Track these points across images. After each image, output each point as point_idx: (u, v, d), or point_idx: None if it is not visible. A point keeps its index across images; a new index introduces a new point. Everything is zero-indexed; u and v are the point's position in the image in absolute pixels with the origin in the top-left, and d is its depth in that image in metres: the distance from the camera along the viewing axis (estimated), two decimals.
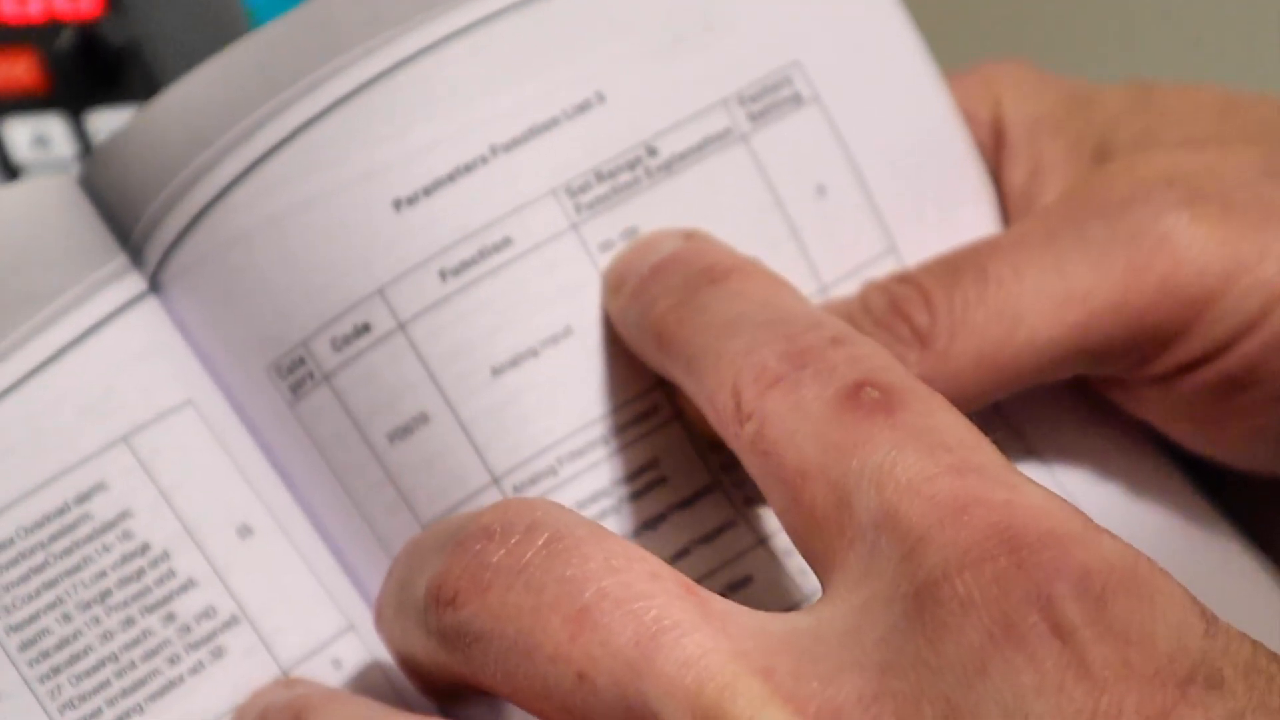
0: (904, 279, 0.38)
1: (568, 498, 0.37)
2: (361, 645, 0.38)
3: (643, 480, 0.38)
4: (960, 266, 0.38)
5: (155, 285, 0.39)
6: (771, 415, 0.32)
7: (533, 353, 0.37)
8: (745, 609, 0.31)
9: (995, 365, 0.38)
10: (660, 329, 0.36)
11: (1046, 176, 0.41)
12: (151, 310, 0.39)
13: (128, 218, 0.39)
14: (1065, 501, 0.30)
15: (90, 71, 0.51)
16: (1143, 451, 0.41)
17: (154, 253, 0.38)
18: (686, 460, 0.38)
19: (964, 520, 0.29)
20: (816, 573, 0.32)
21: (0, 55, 0.50)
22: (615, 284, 0.38)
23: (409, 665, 0.34)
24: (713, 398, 0.34)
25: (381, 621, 0.35)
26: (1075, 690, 0.28)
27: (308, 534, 0.39)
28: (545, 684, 0.31)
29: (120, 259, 0.39)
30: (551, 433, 0.37)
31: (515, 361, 0.37)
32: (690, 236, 0.37)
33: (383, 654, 0.38)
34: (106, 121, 0.51)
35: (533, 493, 0.37)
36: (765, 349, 0.33)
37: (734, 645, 0.30)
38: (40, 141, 0.49)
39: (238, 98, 0.38)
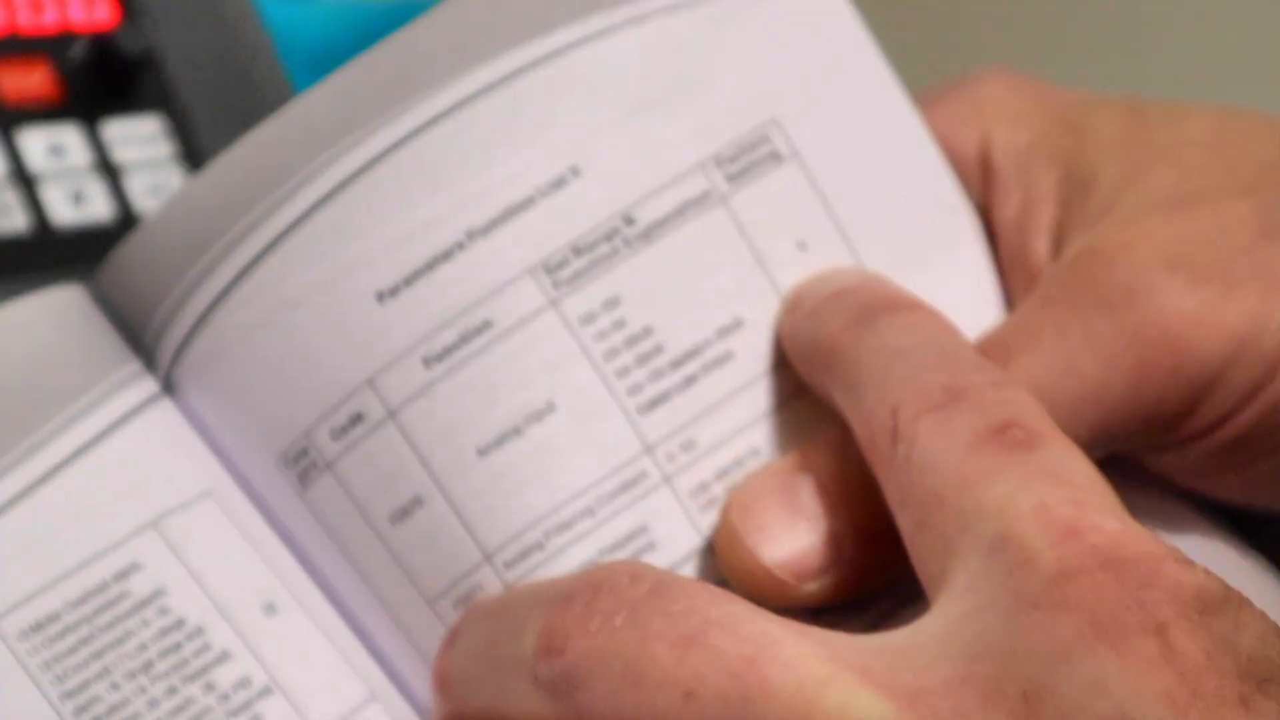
0: None
1: (557, 571, 0.38)
2: (385, 715, 0.40)
3: (632, 547, 0.39)
4: None
5: (169, 386, 0.41)
6: (922, 438, 0.34)
7: (516, 431, 0.38)
8: (846, 634, 0.32)
9: None
10: (832, 347, 0.38)
11: (1037, 211, 0.41)
12: (167, 410, 0.41)
13: (138, 324, 0.41)
14: (1168, 541, 0.32)
15: (105, 81, 0.52)
16: (1177, 503, 0.42)
17: (165, 355, 0.41)
18: (676, 524, 0.39)
19: (1073, 542, 0.31)
20: (929, 595, 0.33)
21: (15, 65, 0.52)
22: (793, 305, 0.40)
23: None
24: (871, 416, 0.36)
25: (454, 686, 0.37)
26: (1156, 676, 0.29)
27: (327, 611, 0.41)
28: (654, 713, 0.32)
29: (134, 364, 0.41)
30: (537, 508, 0.38)
31: (499, 441, 0.38)
32: (870, 274, 0.40)
33: None
34: (121, 131, 0.52)
35: (522, 568, 0.39)
36: (930, 377, 0.35)
37: (833, 652, 0.31)
38: (55, 151, 0.51)
39: (230, 202, 0.40)
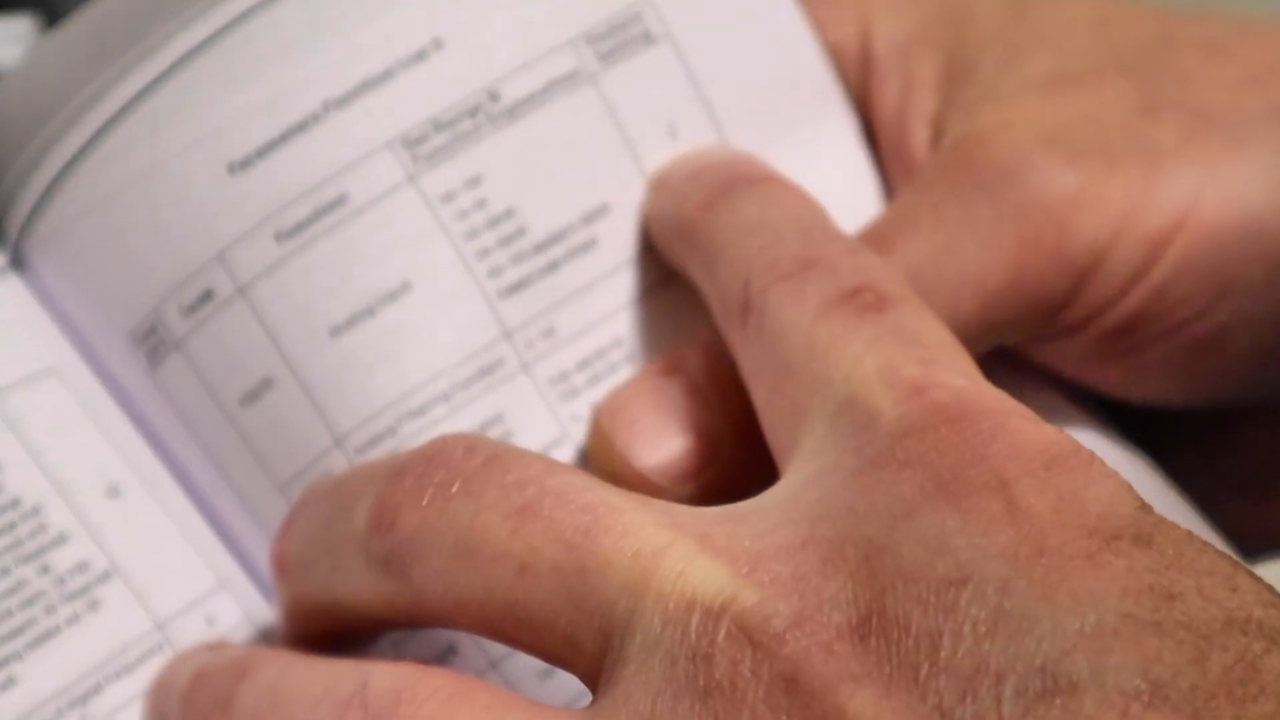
0: None
1: None
2: (234, 604, 0.39)
3: (489, 435, 0.37)
4: None
5: (16, 260, 0.39)
6: (773, 308, 0.33)
7: (369, 311, 0.37)
8: (688, 506, 0.31)
9: None
10: (690, 223, 0.37)
11: (916, 100, 0.39)
12: (13, 285, 0.39)
13: None
14: (1018, 401, 0.30)
15: None
16: (1052, 390, 0.40)
17: (13, 228, 0.39)
18: (535, 413, 0.37)
19: (917, 399, 0.30)
20: (779, 467, 0.32)
21: None
22: (659, 183, 0.39)
23: (326, 611, 0.35)
24: (725, 291, 0.35)
25: (292, 570, 0.36)
26: (999, 533, 0.28)
27: (176, 496, 0.39)
28: (487, 586, 0.31)
29: None
30: (389, 391, 0.37)
31: (352, 321, 0.37)
32: (739, 152, 0.39)
33: (255, 613, 0.38)
34: None
35: (373, 454, 0.37)
36: (783, 248, 0.34)
37: (672, 520, 0.30)
38: None
39: (77, 69, 0.38)
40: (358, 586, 0.33)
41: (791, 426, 0.32)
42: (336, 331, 0.37)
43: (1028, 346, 0.40)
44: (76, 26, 0.38)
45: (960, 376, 0.31)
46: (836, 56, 0.41)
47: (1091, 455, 0.29)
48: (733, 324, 0.35)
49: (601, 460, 0.37)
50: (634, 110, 0.39)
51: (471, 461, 0.32)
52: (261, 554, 0.39)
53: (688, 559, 0.29)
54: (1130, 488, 0.28)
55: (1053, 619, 0.26)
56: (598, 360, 0.38)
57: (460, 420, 0.37)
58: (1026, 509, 0.28)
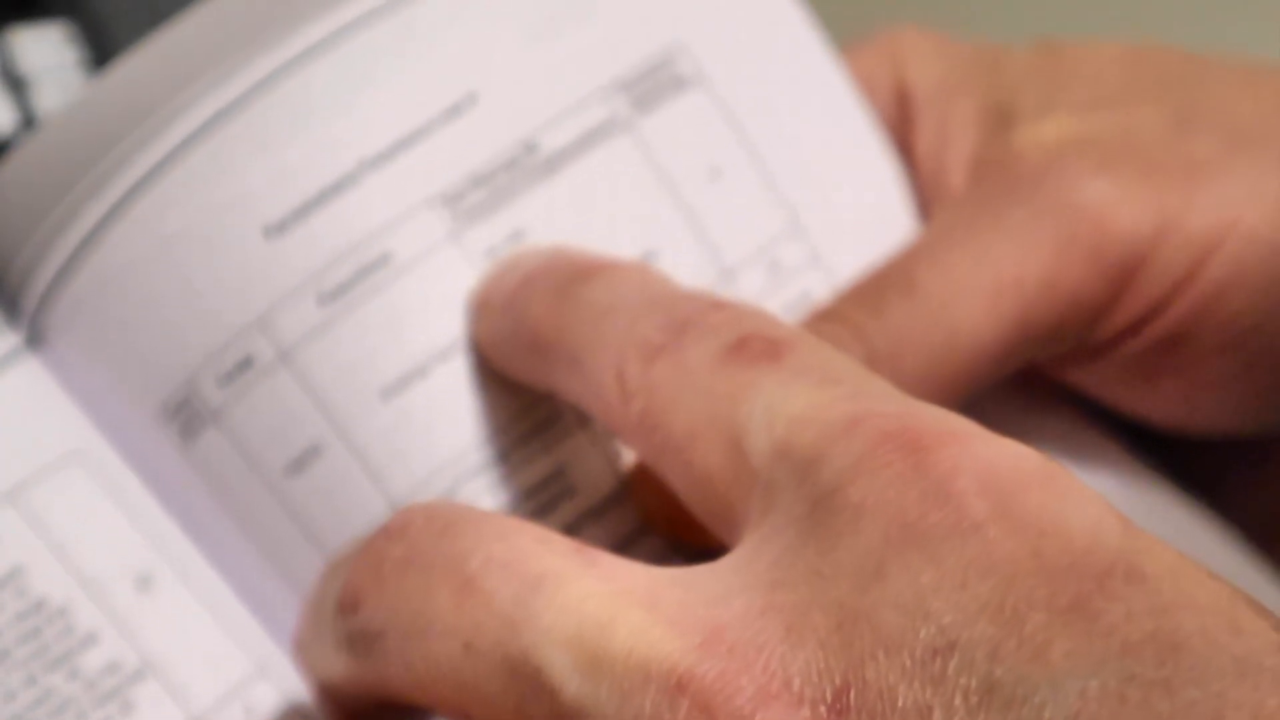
0: (829, 315, 0.36)
1: None
2: (273, 690, 0.37)
3: (549, 493, 0.36)
4: (885, 285, 0.37)
5: (34, 339, 0.38)
6: (657, 386, 0.31)
7: (421, 371, 0.35)
8: (637, 563, 0.29)
9: (945, 378, 0.37)
10: (536, 334, 0.34)
11: (954, 140, 0.39)
12: (30, 366, 0.38)
13: None
14: (961, 416, 0.28)
15: None
16: (1075, 418, 0.39)
17: (29, 304, 0.37)
18: (594, 468, 0.36)
19: (856, 432, 0.27)
20: (723, 540, 0.30)
21: None
22: (482, 305, 0.36)
23: (329, 695, 0.33)
24: (599, 387, 0.32)
25: (300, 652, 0.35)
26: (980, 586, 0.25)
27: (211, 580, 0.38)
28: (438, 665, 0.30)
29: None
30: (446, 452, 0.35)
31: (403, 382, 0.35)
32: (554, 249, 0.36)
33: (297, 697, 0.36)
34: (27, 40, 0.49)
35: None
36: (645, 324, 0.32)
37: (617, 587, 0.28)
38: None
39: (101, 134, 0.36)
40: (336, 669, 0.32)
41: (722, 498, 0.30)
42: (388, 393, 0.36)
43: (1067, 367, 0.39)
44: (99, 90, 0.37)
45: (893, 402, 0.28)
46: (873, 101, 0.41)
47: (1064, 474, 0.27)
48: (618, 418, 0.32)
49: (641, 490, 0.36)
50: (674, 155, 0.38)
51: (428, 533, 0.31)
52: None
53: (637, 632, 0.27)
54: (1110, 508, 0.27)
55: (1050, 685, 0.24)
56: None
57: (520, 479, 0.36)
58: (1004, 554, 0.26)
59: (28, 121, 0.51)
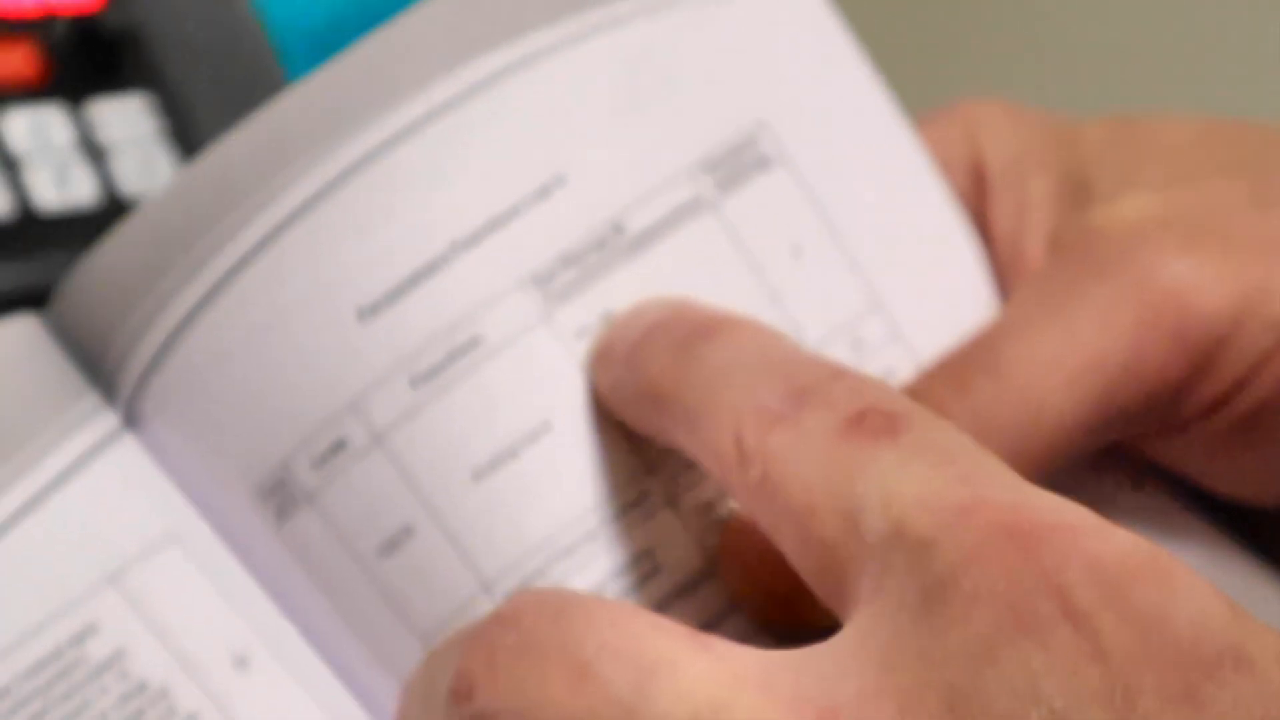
0: (915, 394, 0.38)
1: None
2: None
3: (638, 571, 0.36)
4: (969, 364, 0.38)
5: (131, 420, 0.39)
6: (775, 454, 0.32)
7: (512, 453, 0.36)
8: (749, 648, 0.30)
9: (1029, 457, 0.37)
10: (656, 389, 0.35)
11: (1031, 216, 0.39)
12: (128, 447, 0.38)
13: (96, 355, 0.39)
14: (1076, 504, 0.29)
15: (89, 60, 0.51)
16: (1166, 495, 0.39)
17: (126, 387, 0.38)
18: (682, 546, 0.36)
19: (970, 521, 0.28)
20: (835, 613, 0.31)
21: None
22: (604, 355, 0.37)
23: None
24: (716, 448, 0.33)
25: None
26: (1090, 672, 0.26)
27: (307, 660, 0.38)
28: None
29: (92, 397, 0.39)
30: (538, 532, 0.36)
31: (495, 463, 0.36)
32: (677, 303, 0.37)
33: None
34: (106, 110, 0.50)
35: None
36: (765, 390, 0.33)
37: (732, 671, 0.29)
38: (38, 132, 0.49)
39: (194, 220, 0.37)
40: None
41: (834, 571, 0.30)
42: (479, 475, 0.36)
43: (1151, 443, 0.39)
44: (191, 175, 0.38)
45: (1007, 489, 0.29)
46: (949, 176, 0.41)
47: (1172, 564, 0.28)
48: (734, 482, 0.33)
49: (729, 563, 0.37)
50: (756, 234, 0.38)
51: (540, 620, 0.31)
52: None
53: (753, 713, 0.28)
54: (1218, 595, 0.27)
55: None
56: None
57: (610, 558, 0.37)
58: (1114, 645, 0.26)
59: (109, 191, 0.51)
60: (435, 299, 0.37)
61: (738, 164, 0.39)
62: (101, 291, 0.38)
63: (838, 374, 0.32)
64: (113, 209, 0.51)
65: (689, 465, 0.37)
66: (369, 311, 0.37)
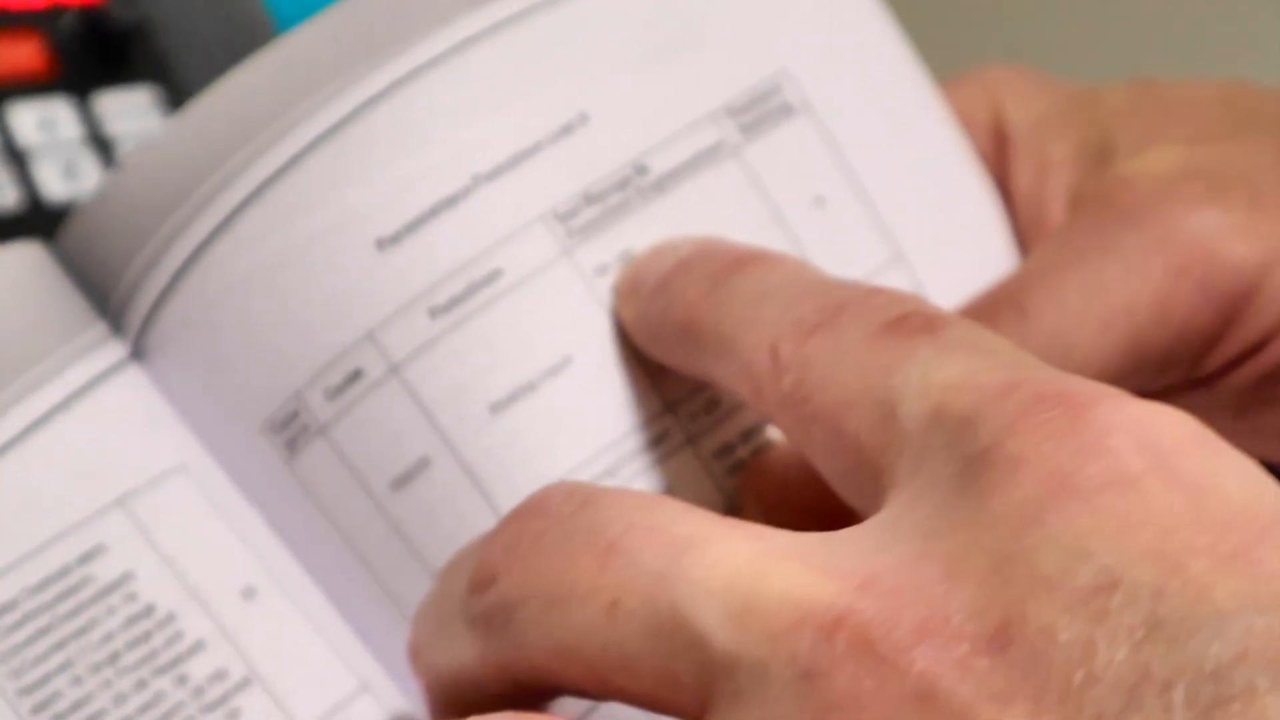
0: None
1: None
2: (377, 707, 0.37)
3: None
4: (996, 310, 0.38)
5: (138, 352, 0.38)
6: (812, 360, 0.31)
7: (531, 387, 0.35)
8: (781, 530, 0.29)
9: None
10: (689, 318, 0.35)
11: (1053, 176, 0.39)
12: (135, 377, 0.38)
13: (105, 285, 0.38)
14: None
15: (96, 54, 0.50)
16: None
17: (135, 319, 0.37)
18: (701, 486, 0.36)
19: (1012, 396, 0.28)
20: (865, 513, 0.30)
21: (4, 40, 0.49)
22: (631, 288, 0.37)
23: (450, 692, 0.32)
24: (750, 365, 0.33)
25: (418, 652, 0.34)
26: (1140, 533, 0.26)
27: (312, 595, 0.38)
28: (581, 629, 0.29)
29: (99, 327, 0.38)
30: (556, 467, 0.35)
31: (514, 397, 0.35)
32: (706, 239, 0.37)
33: (399, 715, 0.36)
34: (113, 103, 0.50)
35: None
36: (803, 306, 0.32)
37: (767, 545, 0.28)
38: (46, 125, 0.49)
39: (208, 151, 0.36)
40: (466, 657, 0.32)
41: (868, 466, 0.30)
42: (497, 408, 0.36)
43: (1174, 399, 0.39)
44: (207, 105, 0.38)
45: (1048, 371, 0.29)
46: (970, 136, 0.41)
47: (1219, 440, 0.27)
48: (767, 394, 0.32)
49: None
50: (779, 181, 0.38)
51: (568, 507, 0.30)
52: (405, 650, 0.36)
53: (791, 579, 0.27)
54: (1265, 473, 0.27)
55: (1217, 622, 0.25)
56: (760, 432, 0.37)
57: None
58: (1163, 507, 0.26)
59: None
60: (456, 231, 0.37)
61: (761, 111, 0.39)
62: (112, 223, 0.38)
63: (877, 289, 0.32)
64: None
65: (708, 407, 0.37)
66: (389, 242, 0.37)
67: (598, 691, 0.30)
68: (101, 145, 0.52)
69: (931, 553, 0.27)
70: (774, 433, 0.37)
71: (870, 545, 0.27)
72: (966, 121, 0.41)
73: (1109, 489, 0.26)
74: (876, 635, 0.26)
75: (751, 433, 0.37)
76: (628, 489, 0.30)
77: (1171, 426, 0.27)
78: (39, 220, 0.51)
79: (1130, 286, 0.37)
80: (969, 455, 0.27)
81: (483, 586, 0.31)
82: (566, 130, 0.37)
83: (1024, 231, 0.41)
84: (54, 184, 0.51)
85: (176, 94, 0.53)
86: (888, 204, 0.39)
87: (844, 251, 0.39)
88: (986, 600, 0.26)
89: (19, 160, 0.50)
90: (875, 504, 0.29)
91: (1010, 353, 0.29)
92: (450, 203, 0.37)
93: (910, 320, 0.30)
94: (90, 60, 0.52)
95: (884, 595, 0.26)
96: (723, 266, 0.35)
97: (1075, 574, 0.25)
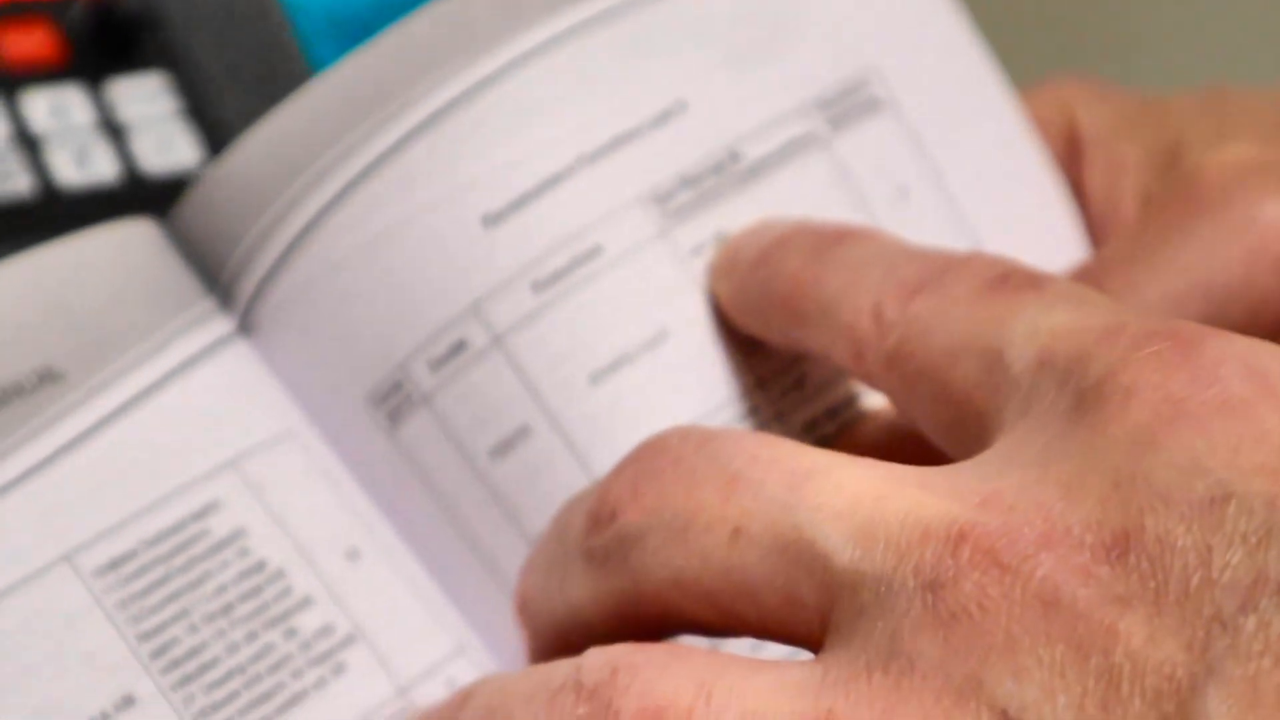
0: None
1: None
2: (473, 669, 0.39)
3: None
4: None
5: (246, 326, 0.40)
6: (917, 318, 0.33)
7: (629, 358, 0.37)
8: (895, 463, 0.30)
9: None
10: (790, 288, 0.36)
11: (1126, 178, 0.41)
12: (242, 352, 0.40)
13: (214, 263, 0.40)
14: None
15: (107, 41, 0.51)
16: None
17: (243, 294, 0.40)
18: None
19: (1122, 334, 0.29)
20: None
21: (15, 28, 0.51)
22: (728, 264, 0.38)
23: (562, 641, 0.34)
24: (852, 327, 0.34)
25: (528, 606, 0.35)
26: (1253, 453, 0.27)
27: (411, 562, 0.40)
28: (703, 556, 0.30)
29: (206, 304, 0.40)
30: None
31: (613, 367, 0.37)
32: (802, 219, 0.38)
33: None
34: (125, 90, 0.50)
35: None
36: (906, 270, 0.34)
37: (887, 473, 0.30)
38: (58, 112, 0.49)
39: (321, 129, 0.38)
40: (581, 595, 0.33)
41: (974, 416, 0.31)
42: (596, 379, 0.37)
43: None
44: (321, 86, 0.39)
45: (1152, 317, 0.30)
46: (1045, 141, 0.43)
47: None
48: (868, 355, 0.34)
49: None
50: (865, 172, 0.40)
51: (686, 445, 0.32)
52: (500, 616, 0.37)
53: (913, 500, 0.29)
54: None
55: None
56: (846, 409, 0.38)
57: None
58: (1275, 429, 0.27)
59: (129, 169, 0.52)
60: (559, 209, 0.38)
61: (849, 104, 0.41)
62: (224, 202, 0.40)
63: (976, 253, 0.34)
64: (133, 186, 0.52)
65: (797, 384, 0.39)
66: (495, 218, 0.38)
67: (717, 622, 0.31)
68: (113, 131, 0.52)
69: (1050, 475, 0.28)
70: (863, 406, 0.39)
71: (989, 471, 0.29)
72: (1041, 126, 0.43)
73: (1221, 413, 0.28)
74: (999, 546, 0.27)
75: (838, 409, 0.39)
76: (743, 429, 0.32)
77: (1276, 357, 0.28)
78: (53, 206, 0.51)
79: (1207, 267, 0.38)
80: (1082, 389, 0.29)
81: (604, 522, 0.32)
82: (665, 117, 0.39)
83: (1098, 232, 0.43)
84: (68, 170, 0.51)
85: (186, 80, 0.53)
86: (967, 198, 0.41)
87: (927, 241, 0.40)
88: (1105, 514, 0.27)
89: (33, 147, 0.51)
90: (980, 447, 0.31)
91: (1112, 303, 0.31)
92: (554, 181, 0.38)
93: (1013, 278, 0.32)
94: (101, 47, 0.52)
95: (1006, 511, 0.28)
96: (822, 240, 0.36)
97: (1191, 488, 0.27)
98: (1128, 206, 0.42)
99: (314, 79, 0.39)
